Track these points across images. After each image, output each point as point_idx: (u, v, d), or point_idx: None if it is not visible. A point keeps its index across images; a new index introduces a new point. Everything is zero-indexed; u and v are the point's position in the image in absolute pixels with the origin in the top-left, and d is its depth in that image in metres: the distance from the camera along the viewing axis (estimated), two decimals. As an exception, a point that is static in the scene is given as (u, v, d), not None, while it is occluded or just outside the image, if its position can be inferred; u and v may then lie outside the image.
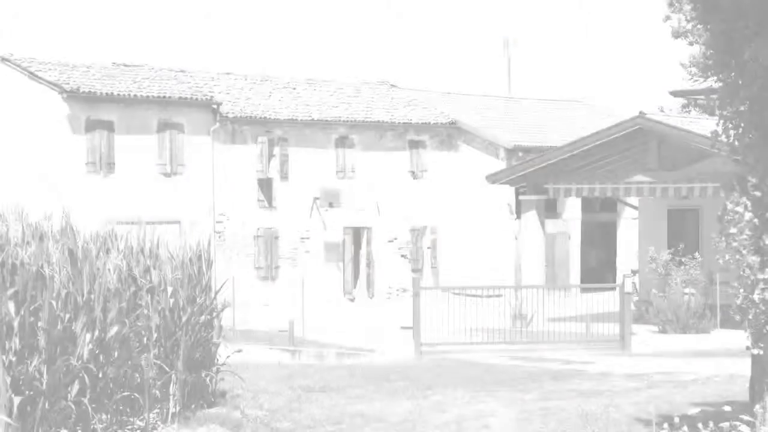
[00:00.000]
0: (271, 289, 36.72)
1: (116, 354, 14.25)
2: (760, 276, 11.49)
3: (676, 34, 48.16)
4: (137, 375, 14.68)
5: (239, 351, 18.08)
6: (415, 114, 41.13)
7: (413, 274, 37.62)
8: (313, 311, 31.96)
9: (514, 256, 39.66)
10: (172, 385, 15.17)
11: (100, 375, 14.00)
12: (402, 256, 40.23)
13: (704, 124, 28.79)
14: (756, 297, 11.53)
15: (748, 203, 11.48)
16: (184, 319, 15.49)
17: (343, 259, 38.52)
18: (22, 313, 13.16)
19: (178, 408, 15.17)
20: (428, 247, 40.82)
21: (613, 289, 27.03)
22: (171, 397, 15.14)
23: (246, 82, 39.37)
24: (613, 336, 25.08)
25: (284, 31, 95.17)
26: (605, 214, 43.83)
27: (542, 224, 30.16)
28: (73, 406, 13.46)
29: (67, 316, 13.60)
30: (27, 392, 13.10)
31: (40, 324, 13.31)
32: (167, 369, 15.10)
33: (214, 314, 16.45)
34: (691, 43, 49.14)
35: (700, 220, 31.04)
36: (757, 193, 11.44)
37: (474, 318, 25.29)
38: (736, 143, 11.13)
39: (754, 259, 11.61)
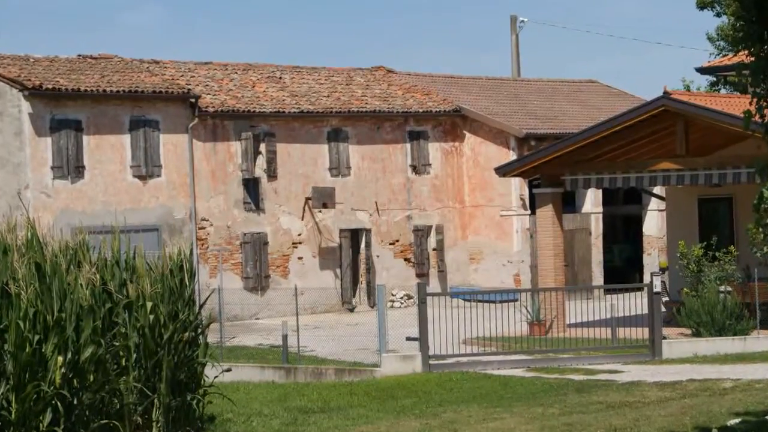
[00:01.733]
0: (262, 300, 36.74)
1: (92, 378, 14.25)
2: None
3: (702, 5, 48.29)
4: (116, 400, 14.69)
5: (228, 370, 18.12)
6: (415, 102, 41.15)
7: (418, 279, 37.69)
8: (309, 324, 31.96)
9: (529, 256, 39.71)
10: (155, 410, 15.19)
11: (75, 401, 14.01)
12: (405, 259, 40.26)
13: (735, 103, 28.81)
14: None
15: (787, 190, 11.48)
16: (166, 336, 15.50)
17: (340, 265, 38.54)
18: (-13, 335, 13.17)
19: (162, 435, 15.18)
20: (433, 249, 40.83)
21: (641, 289, 27.04)
22: (154, 424, 15.16)
23: (226, 72, 39.38)
24: (642, 341, 25.10)
25: (268, 14, 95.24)
26: (629, 207, 43.88)
27: (560, 219, 30.16)
28: (46, 437, 13.46)
29: (37, 337, 13.61)
30: (-6, 423, 13.11)
31: (6, 347, 13.31)
32: (149, 393, 15.11)
33: (199, 330, 16.47)
34: (718, 14, 49.29)
35: (734, 209, 31.06)
36: (796, 179, 11.43)
37: (487, 326, 25.30)
38: (772, 123, 11.12)
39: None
